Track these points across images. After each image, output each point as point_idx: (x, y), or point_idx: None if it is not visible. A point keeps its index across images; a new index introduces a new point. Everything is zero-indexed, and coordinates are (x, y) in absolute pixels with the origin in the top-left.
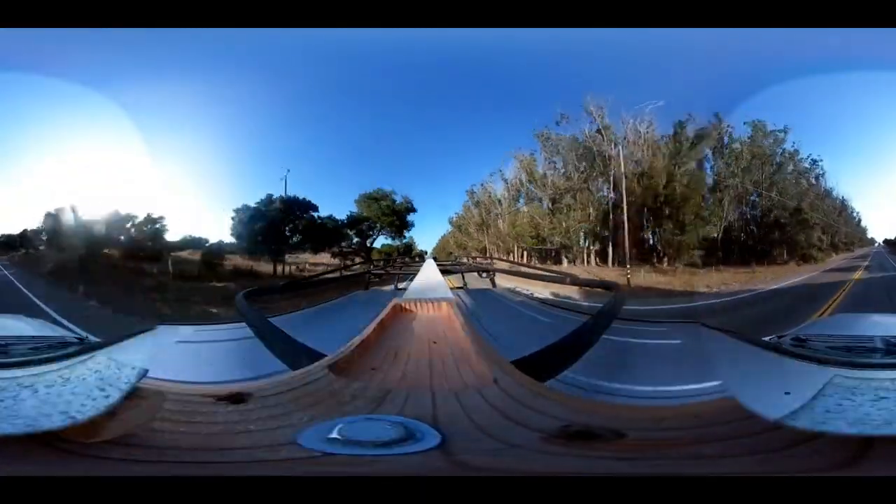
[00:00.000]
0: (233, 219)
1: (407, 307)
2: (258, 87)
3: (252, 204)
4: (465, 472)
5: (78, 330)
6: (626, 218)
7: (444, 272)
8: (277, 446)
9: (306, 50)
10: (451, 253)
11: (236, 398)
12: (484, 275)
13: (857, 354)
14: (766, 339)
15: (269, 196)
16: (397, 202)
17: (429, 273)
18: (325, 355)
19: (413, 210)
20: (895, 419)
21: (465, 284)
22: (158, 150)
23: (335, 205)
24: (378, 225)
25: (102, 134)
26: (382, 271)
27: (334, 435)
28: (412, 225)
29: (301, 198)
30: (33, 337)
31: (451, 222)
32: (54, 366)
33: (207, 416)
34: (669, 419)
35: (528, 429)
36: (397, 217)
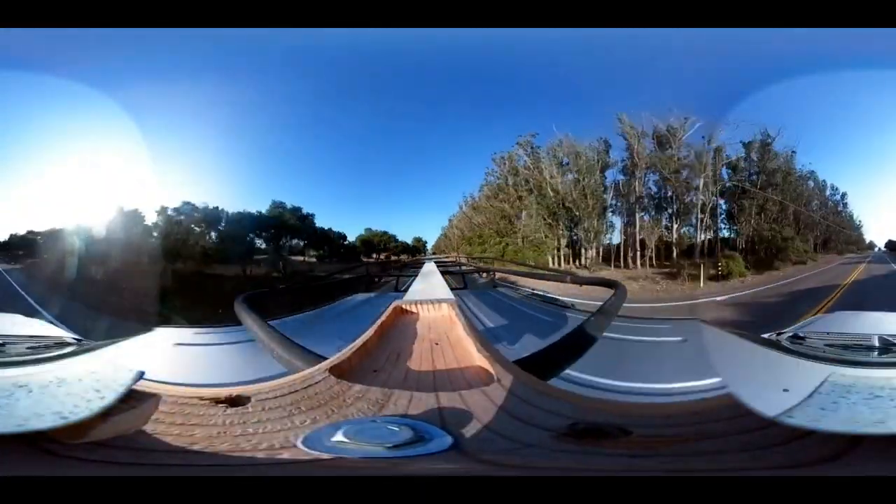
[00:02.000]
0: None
1: (407, 308)
2: (259, 87)
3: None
4: (479, 472)
5: (74, 333)
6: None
7: (445, 273)
8: (278, 449)
9: (307, 50)
10: (443, 251)
11: (236, 401)
12: (483, 275)
13: (854, 353)
14: (765, 335)
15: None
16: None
17: (429, 274)
18: (326, 358)
19: (426, 242)
20: (887, 418)
21: (466, 285)
22: (159, 150)
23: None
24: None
25: (103, 133)
26: (384, 274)
27: (340, 437)
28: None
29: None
30: (30, 336)
31: (442, 230)
32: (50, 366)
33: (206, 419)
34: (672, 416)
35: (536, 427)
36: (423, 245)
